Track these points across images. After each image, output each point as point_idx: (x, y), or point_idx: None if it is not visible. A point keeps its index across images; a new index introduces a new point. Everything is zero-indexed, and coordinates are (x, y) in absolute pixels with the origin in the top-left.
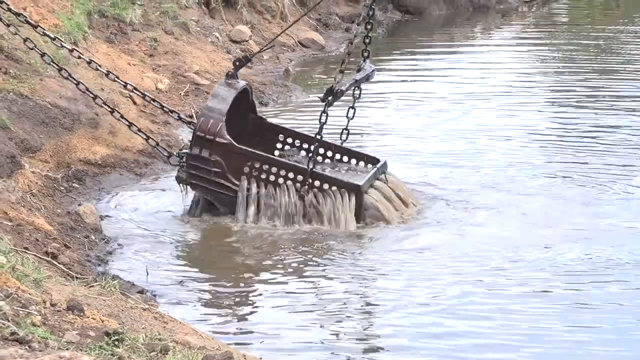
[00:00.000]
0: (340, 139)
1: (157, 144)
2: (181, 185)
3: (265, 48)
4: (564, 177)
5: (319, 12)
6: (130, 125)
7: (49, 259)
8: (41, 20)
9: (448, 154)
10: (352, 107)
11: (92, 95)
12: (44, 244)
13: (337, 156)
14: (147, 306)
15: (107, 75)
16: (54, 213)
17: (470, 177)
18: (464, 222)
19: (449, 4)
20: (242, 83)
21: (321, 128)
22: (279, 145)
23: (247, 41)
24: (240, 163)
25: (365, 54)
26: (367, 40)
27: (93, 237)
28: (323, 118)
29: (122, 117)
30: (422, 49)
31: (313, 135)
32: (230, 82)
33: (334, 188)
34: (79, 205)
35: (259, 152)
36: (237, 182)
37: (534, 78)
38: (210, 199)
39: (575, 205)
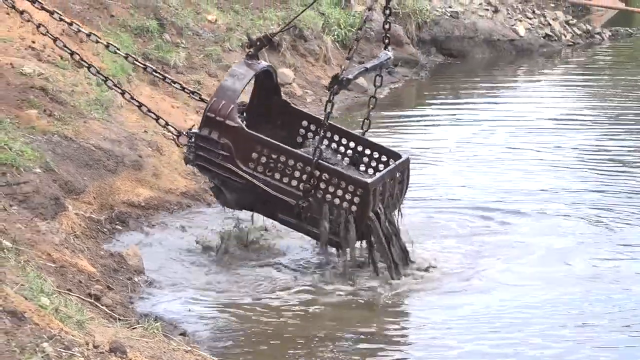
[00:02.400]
0: (362, 128)
1: (167, 124)
2: (189, 166)
3: (285, 28)
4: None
5: (361, 55)
6: (140, 105)
7: (92, 300)
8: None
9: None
10: (374, 97)
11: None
12: (87, 285)
13: (359, 147)
14: (189, 348)
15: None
16: (97, 255)
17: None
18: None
19: (491, 48)
20: (262, 64)
21: (327, 117)
22: (301, 132)
23: (290, 84)
24: (249, 148)
25: (386, 41)
26: (386, 27)
27: (136, 279)
28: (329, 107)
29: (132, 97)
30: (465, 90)
31: (339, 126)
32: (250, 62)
33: (342, 183)
34: (123, 247)
35: (268, 139)
36: (244, 168)
37: (578, 117)
38: (216, 184)
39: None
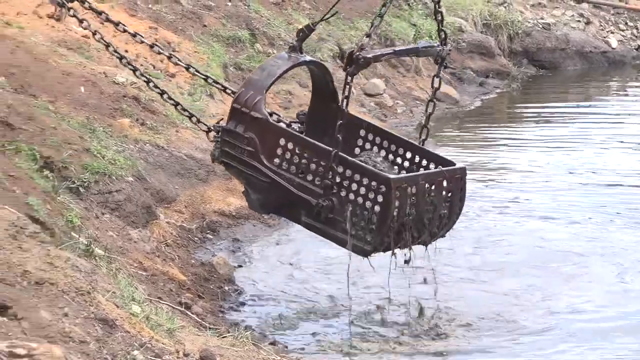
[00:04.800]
0: (420, 137)
1: (199, 121)
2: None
3: (328, 16)
4: None
5: (453, 67)
6: (176, 104)
7: (183, 309)
8: (178, 73)
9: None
10: (432, 100)
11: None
12: (178, 294)
13: (407, 154)
14: (279, 357)
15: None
16: (188, 263)
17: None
18: None
19: (583, 60)
20: (304, 58)
21: (345, 103)
22: (359, 142)
23: (381, 94)
24: (274, 143)
25: (442, 35)
26: (439, 18)
27: (226, 288)
28: (346, 91)
29: (169, 97)
30: (556, 102)
31: (401, 136)
32: (290, 55)
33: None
34: (213, 256)
35: (292, 131)
36: (269, 165)
37: None
38: (241, 183)
39: None
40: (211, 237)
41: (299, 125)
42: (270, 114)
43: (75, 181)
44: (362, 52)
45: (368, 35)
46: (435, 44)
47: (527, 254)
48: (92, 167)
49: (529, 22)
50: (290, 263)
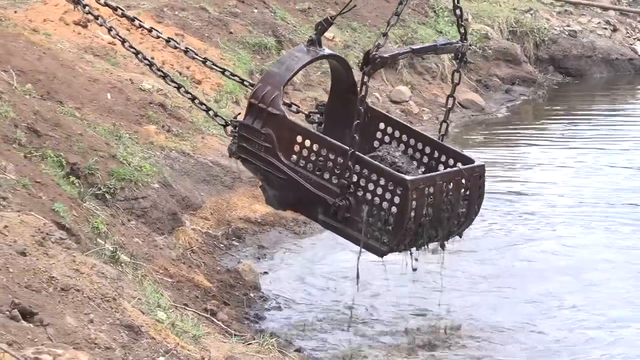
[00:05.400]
0: (439, 132)
1: (216, 114)
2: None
3: (345, 10)
4: None
5: (479, 74)
6: (193, 99)
7: (208, 315)
8: (204, 80)
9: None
10: (451, 96)
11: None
12: (204, 300)
13: (426, 149)
14: None
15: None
16: (213, 270)
17: None
18: None
19: (610, 67)
20: (324, 51)
21: (361, 102)
22: (378, 135)
23: (407, 101)
24: (291, 140)
25: (462, 30)
26: (458, 12)
27: (252, 295)
28: (363, 90)
29: (187, 91)
30: (583, 111)
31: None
32: (309, 48)
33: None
34: (239, 263)
35: (309, 129)
36: (286, 162)
37: None
38: (259, 179)
39: None
40: (237, 244)
41: (318, 116)
42: (289, 105)
43: (102, 188)
44: (378, 51)
45: (384, 34)
46: (454, 41)
47: (550, 261)
48: (118, 174)
49: (555, 30)
50: (315, 270)
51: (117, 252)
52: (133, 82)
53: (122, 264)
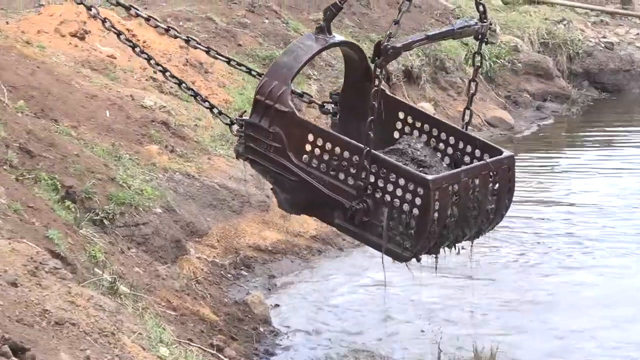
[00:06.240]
0: (462, 120)
1: (220, 112)
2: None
3: None
4: None
5: (507, 89)
6: (195, 95)
7: (215, 351)
8: (211, 96)
9: None
10: (474, 80)
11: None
12: (209, 335)
13: (450, 140)
14: None
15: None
16: (220, 302)
17: None
18: None
19: None
20: (334, 38)
21: (374, 96)
22: (398, 125)
23: None
24: (301, 138)
25: (481, 8)
26: None
27: (261, 329)
28: (376, 83)
29: (188, 87)
30: (620, 130)
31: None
32: (318, 36)
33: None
34: (247, 294)
35: (321, 127)
36: (297, 162)
37: None
38: (268, 181)
39: None
40: (245, 273)
41: (332, 106)
42: (301, 95)
43: (99, 213)
44: (390, 41)
45: (396, 22)
46: (472, 22)
47: (581, 291)
48: (118, 198)
49: (590, 41)
50: (330, 302)
51: (116, 283)
52: (134, 98)
53: (122, 296)
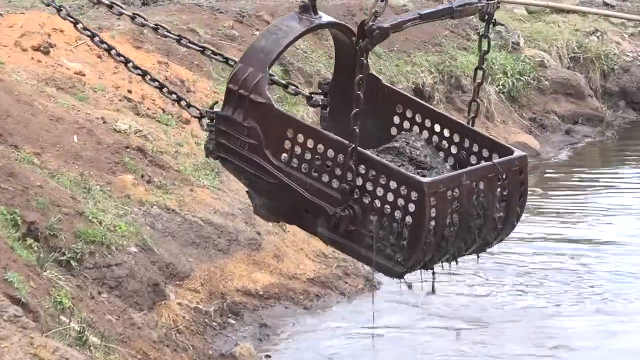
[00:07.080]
0: (468, 113)
1: (189, 105)
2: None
3: None
4: None
5: (532, 110)
6: (161, 87)
7: None
8: (194, 120)
9: None
10: (481, 68)
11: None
12: None
13: (454, 137)
14: None
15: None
16: (204, 355)
17: None
18: None
19: None
20: (321, 19)
21: (358, 85)
22: (396, 120)
23: None
24: (280, 134)
25: None
26: None
27: None
28: (361, 71)
29: (153, 79)
30: None
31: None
32: (302, 16)
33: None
34: (236, 345)
35: (301, 121)
36: (275, 162)
37: None
38: (242, 183)
39: None
40: (233, 322)
41: (322, 97)
42: (286, 86)
43: (66, 252)
44: (376, 21)
45: None
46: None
47: (613, 341)
48: (87, 235)
49: (627, 56)
50: (328, 354)
51: (85, 333)
52: (105, 121)
53: (91, 348)
